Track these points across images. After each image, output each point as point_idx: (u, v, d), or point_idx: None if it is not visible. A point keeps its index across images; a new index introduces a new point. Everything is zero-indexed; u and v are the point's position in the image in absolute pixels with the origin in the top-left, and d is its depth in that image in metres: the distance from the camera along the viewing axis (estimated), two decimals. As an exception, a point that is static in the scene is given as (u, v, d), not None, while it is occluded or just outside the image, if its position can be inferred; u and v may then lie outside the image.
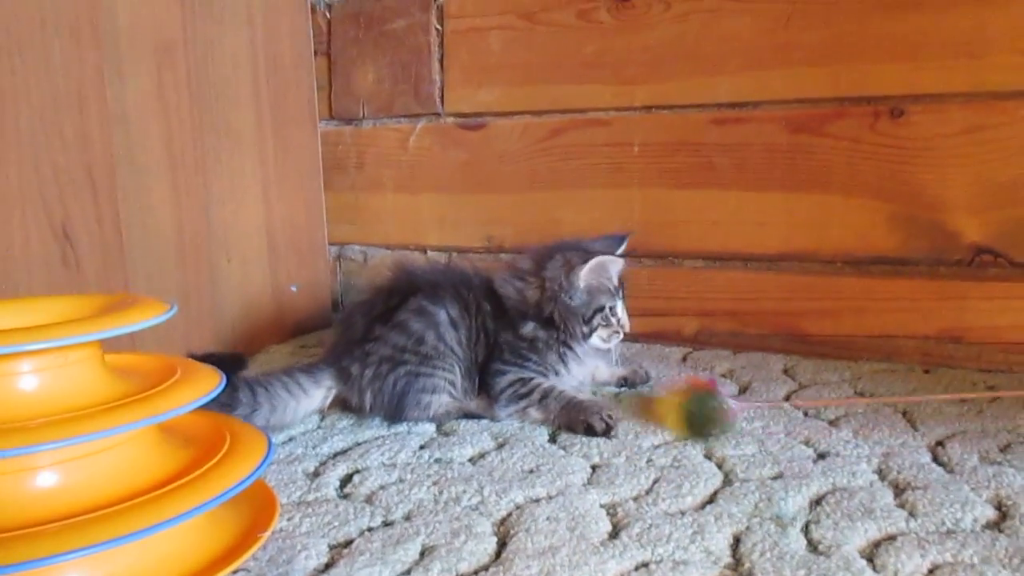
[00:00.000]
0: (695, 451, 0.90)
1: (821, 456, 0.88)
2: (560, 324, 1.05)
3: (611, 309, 1.06)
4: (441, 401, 1.03)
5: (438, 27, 1.46)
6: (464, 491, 0.81)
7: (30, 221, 1.03)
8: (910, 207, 1.19)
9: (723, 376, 1.18)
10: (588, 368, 1.11)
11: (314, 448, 0.95)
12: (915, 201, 1.19)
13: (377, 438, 0.97)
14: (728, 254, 1.31)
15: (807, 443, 0.91)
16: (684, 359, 1.28)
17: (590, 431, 0.96)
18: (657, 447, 0.92)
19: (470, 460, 0.90)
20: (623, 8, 1.32)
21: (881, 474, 0.83)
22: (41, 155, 1.05)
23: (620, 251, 1.11)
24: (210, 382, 0.72)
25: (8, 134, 1.01)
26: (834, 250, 1.24)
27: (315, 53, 1.53)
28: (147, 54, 1.19)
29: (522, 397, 1.02)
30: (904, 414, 1.00)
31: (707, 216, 1.31)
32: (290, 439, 0.98)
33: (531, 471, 0.86)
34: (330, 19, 1.54)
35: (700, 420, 0.93)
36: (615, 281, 1.07)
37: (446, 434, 0.98)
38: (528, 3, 1.37)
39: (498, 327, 1.07)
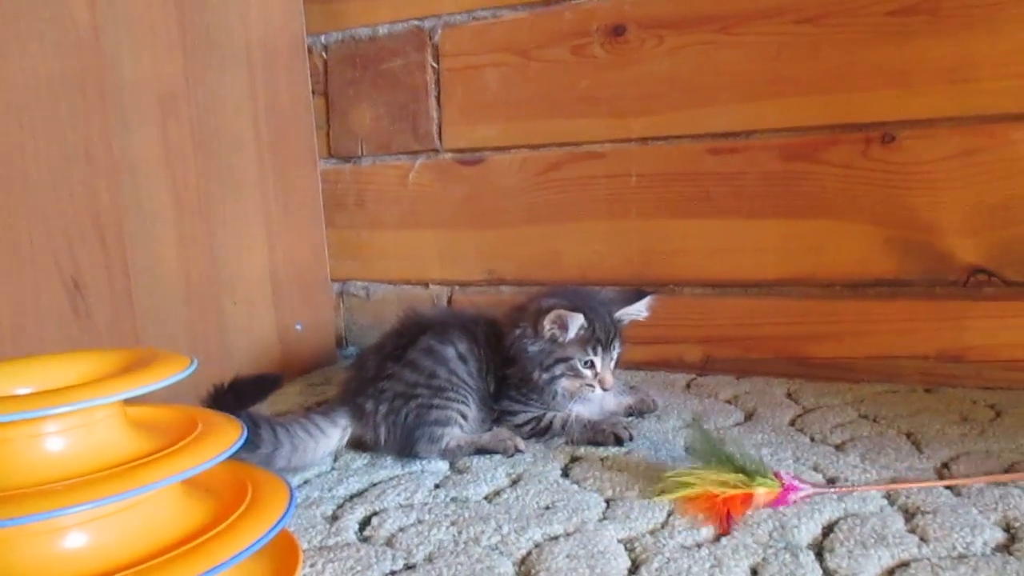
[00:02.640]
0: (706, 481, 0.91)
1: (831, 482, 0.89)
2: (521, 366, 1.07)
3: (586, 363, 1.05)
4: (452, 434, 1.04)
5: (434, 65, 1.48)
6: (483, 531, 0.82)
7: (41, 274, 1.05)
8: (905, 230, 1.22)
9: (727, 402, 1.19)
10: (594, 404, 1.12)
11: (330, 491, 0.96)
12: (909, 224, 1.21)
13: (392, 478, 0.98)
14: (728, 281, 1.33)
15: (816, 469, 0.93)
16: (688, 386, 1.29)
17: (618, 441, 1.03)
18: (668, 479, 0.93)
19: (486, 498, 0.91)
20: (617, 43, 1.35)
21: (890, 499, 0.84)
22: (50, 208, 1.06)
23: (634, 307, 1.11)
24: (232, 434, 0.73)
25: (17, 188, 1.03)
26: (832, 274, 1.27)
27: (313, 93, 1.55)
28: (151, 104, 1.21)
29: (543, 432, 1.07)
30: (908, 436, 1.01)
31: (706, 244, 1.33)
32: (305, 482, 0.99)
33: (547, 507, 0.87)
34: (327, 60, 1.56)
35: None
36: (599, 336, 1.05)
37: (460, 471, 0.99)
38: (523, 40, 1.40)
39: (503, 363, 1.10)
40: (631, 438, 1.03)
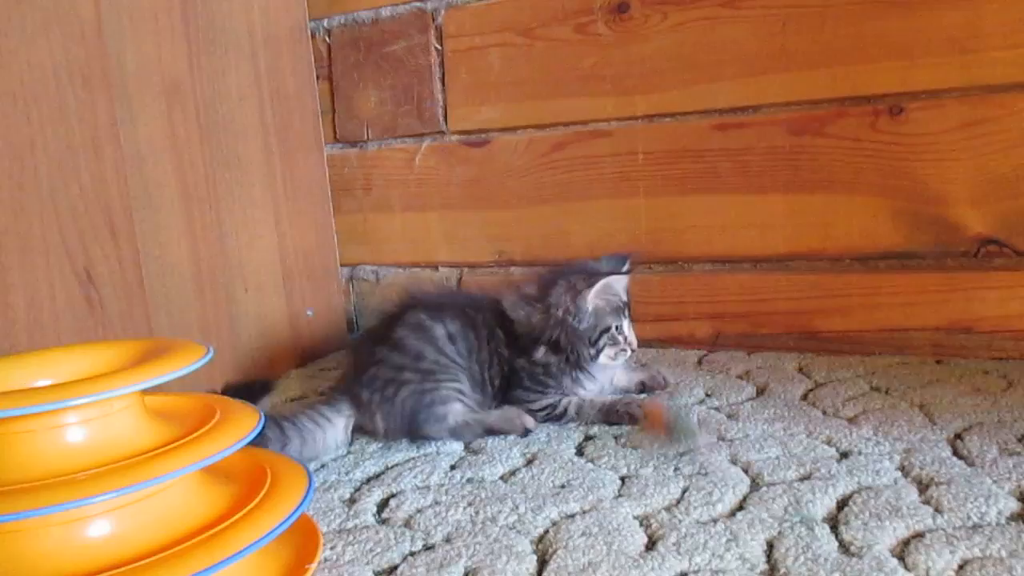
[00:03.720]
0: (720, 457, 0.92)
1: (844, 455, 0.90)
2: (567, 348, 1.07)
3: (617, 328, 1.08)
4: (455, 410, 1.04)
5: (438, 47, 1.48)
6: (500, 511, 0.83)
7: (54, 267, 1.05)
8: (914, 202, 1.21)
9: (739, 378, 1.20)
10: (606, 379, 1.13)
11: (347, 474, 0.97)
12: (918, 196, 1.21)
13: (407, 460, 0.99)
14: (737, 257, 1.33)
15: (828, 443, 0.93)
16: (699, 362, 1.30)
17: (632, 420, 1.04)
18: (683, 455, 0.93)
19: (502, 478, 0.92)
20: (620, 20, 1.34)
21: (904, 471, 0.85)
22: (60, 201, 1.07)
23: (625, 269, 1.12)
24: (250, 421, 0.74)
25: (28, 183, 1.03)
26: (841, 248, 1.26)
27: (317, 78, 1.55)
28: (157, 95, 1.21)
29: (559, 417, 1.08)
30: (921, 407, 1.02)
31: (714, 221, 1.33)
32: (322, 466, 1.00)
33: (563, 486, 0.88)
34: (330, 44, 1.56)
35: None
36: (622, 299, 1.10)
37: (475, 452, 1.00)
38: (526, 20, 1.40)
39: (512, 353, 1.10)
40: (645, 416, 1.04)
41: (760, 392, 1.13)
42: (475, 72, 1.45)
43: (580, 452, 0.98)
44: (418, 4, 1.47)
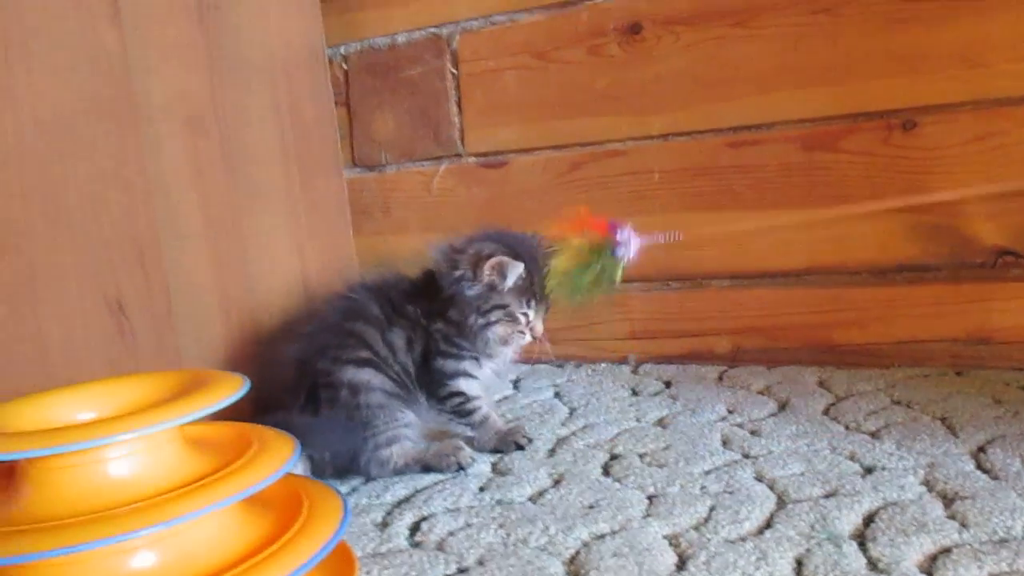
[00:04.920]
0: (745, 474, 0.93)
1: (868, 471, 0.91)
2: (457, 308, 1.08)
3: (521, 313, 1.09)
4: (402, 451, 1.05)
5: (453, 71, 1.50)
6: (531, 532, 0.84)
7: (87, 298, 1.08)
8: (928, 215, 1.22)
9: (760, 393, 1.21)
10: (510, 352, 1.14)
11: (377, 497, 0.98)
12: (933, 209, 1.22)
13: (436, 483, 1.01)
14: (754, 272, 1.34)
15: (852, 458, 0.95)
16: (720, 378, 1.31)
17: (519, 447, 1.08)
18: (708, 473, 0.95)
19: (530, 499, 0.94)
20: (633, 41, 1.36)
21: (928, 485, 0.86)
22: (92, 233, 1.09)
23: (534, 255, 1.11)
24: (287, 450, 0.76)
25: (60, 216, 1.06)
26: (857, 261, 1.28)
27: (335, 104, 1.57)
28: (181, 125, 1.23)
29: (465, 415, 1.11)
30: (943, 420, 1.03)
31: (730, 237, 1.34)
32: (353, 490, 1.02)
33: (591, 506, 0.89)
34: (347, 70, 1.59)
35: (582, 287, 1.02)
36: (531, 283, 1.09)
37: (502, 473, 1.02)
38: (540, 43, 1.42)
39: (429, 321, 1.10)
40: (530, 442, 1.10)
41: (782, 407, 1.14)
42: (491, 95, 1.48)
43: (606, 471, 0.99)
44: (433, 30, 1.50)
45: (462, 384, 1.11)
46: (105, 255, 1.10)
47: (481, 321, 1.08)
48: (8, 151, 1.00)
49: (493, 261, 1.05)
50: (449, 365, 1.10)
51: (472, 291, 1.07)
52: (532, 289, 1.09)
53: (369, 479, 1.04)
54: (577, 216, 1.10)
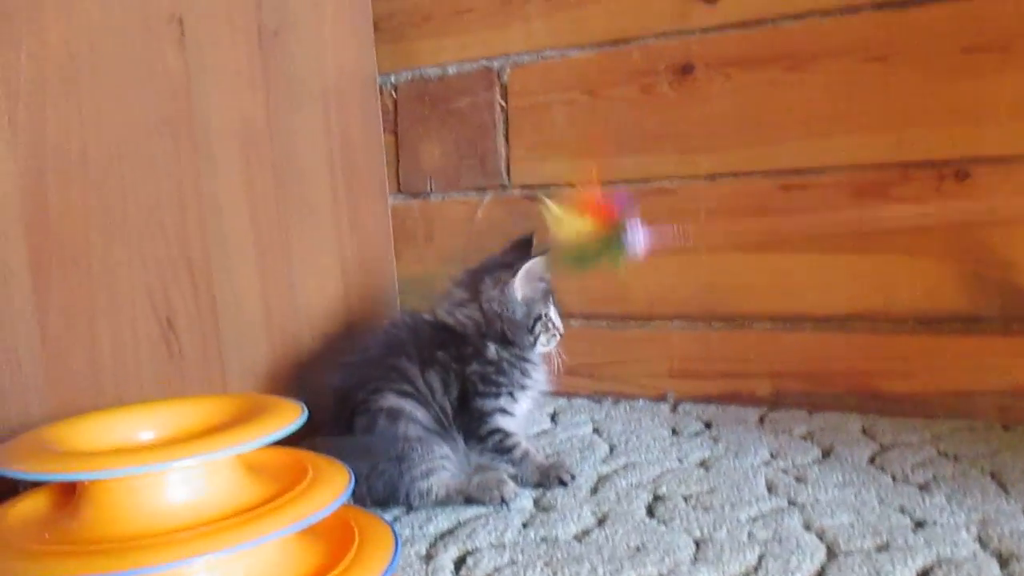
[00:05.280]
0: (794, 522, 0.92)
1: (919, 525, 0.90)
2: (512, 339, 1.11)
3: (547, 315, 1.13)
4: (441, 481, 1.04)
5: (502, 104, 1.51)
6: (578, 572, 0.84)
7: (139, 315, 1.09)
8: (979, 266, 1.22)
9: (803, 439, 1.20)
10: (543, 368, 1.16)
11: (420, 528, 0.98)
12: (984, 260, 1.21)
13: (479, 516, 1.00)
14: (797, 316, 1.34)
15: (902, 511, 0.93)
16: (761, 421, 1.30)
17: (562, 483, 1.08)
18: (755, 519, 0.94)
19: (575, 538, 0.93)
20: (684, 82, 1.37)
21: (982, 543, 0.85)
22: (146, 251, 1.11)
23: (541, 251, 1.15)
24: (342, 480, 0.76)
25: (117, 234, 1.07)
26: (904, 310, 1.27)
27: (383, 131, 1.59)
28: (236, 146, 1.25)
29: (505, 451, 1.10)
30: (993, 476, 1.01)
31: (775, 279, 1.34)
32: (395, 519, 1.01)
33: (638, 548, 0.88)
34: (396, 99, 1.60)
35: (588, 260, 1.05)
36: (546, 282, 1.14)
37: (545, 510, 1.01)
38: (591, 80, 1.43)
39: (462, 365, 1.11)
40: (573, 479, 1.09)
41: (826, 454, 1.13)
42: (539, 128, 1.48)
43: (651, 512, 0.99)
44: (484, 62, 1.51)
45: (500, 421, 1.11)
46: (158, 272, 1.12)
47: (531, 339, 1.12)
48: (72, 169, 1.02)
49: (521, 273, 1.10)
50: (488, 403, 1.10)
51: (518, 314, 1.11)
52: (549, 289, 1.14)
53: (411, 509, 1.04)
54: (588, 195, 1.11)
